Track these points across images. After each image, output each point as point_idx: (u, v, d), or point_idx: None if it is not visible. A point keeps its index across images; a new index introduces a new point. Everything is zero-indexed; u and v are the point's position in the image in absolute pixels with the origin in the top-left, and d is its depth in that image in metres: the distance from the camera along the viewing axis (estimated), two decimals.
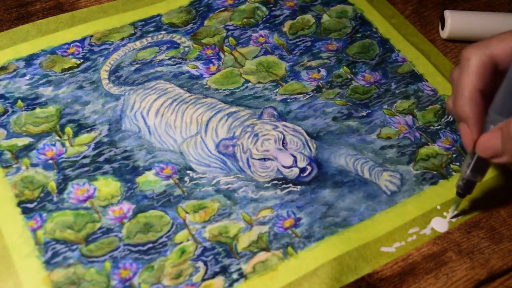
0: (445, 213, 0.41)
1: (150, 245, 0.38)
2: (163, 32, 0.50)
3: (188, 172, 0.42)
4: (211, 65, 0.49)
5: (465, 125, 0.36)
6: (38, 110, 0.44)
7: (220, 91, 0.47)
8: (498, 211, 0.42)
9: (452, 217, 0.41)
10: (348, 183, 0.42)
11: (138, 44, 0.49)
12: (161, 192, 0.40)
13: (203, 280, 0.37)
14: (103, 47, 0.49)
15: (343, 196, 0.41)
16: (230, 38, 0.51)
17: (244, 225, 0.39)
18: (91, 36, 0.49)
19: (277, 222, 0.40)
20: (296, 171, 0.42)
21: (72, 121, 0.44)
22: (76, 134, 0.43)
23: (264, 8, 0.53)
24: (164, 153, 0.42)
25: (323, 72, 0.49)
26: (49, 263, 0.36)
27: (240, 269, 0.37)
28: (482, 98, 0.36)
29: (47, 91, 0.45)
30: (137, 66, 0.48)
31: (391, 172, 0.43)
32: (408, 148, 0.44)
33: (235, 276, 0.37)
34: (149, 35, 0.50)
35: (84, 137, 0.43)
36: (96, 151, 0.42)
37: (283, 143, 0.43)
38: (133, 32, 0.50)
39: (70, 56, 0.48)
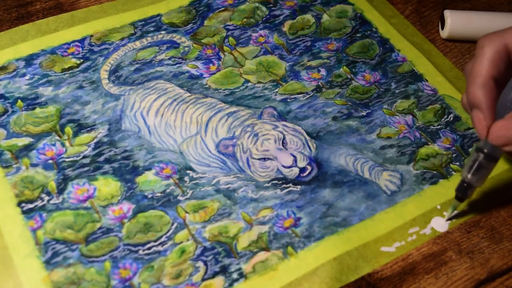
0: (444, 213, 0.41)
1: (150, 244, 0.38)
2: (163, 32, 0.50)
3: (188, 172, 0.42)
4: (211, 65, 0.49)
5: (478, 111, 0.36)
6: (38, 110, 0.44)
7: (220, 91, 0.47)
8: (498, 211, 0.42)
9: (449, 219, 0.41)
10: (348, 183, 0.42)
11: (138, 44, 0.49)
12: (162, 191, 0.40)
13: (203, 280, 0.37)
14: (103, 47, 0.49)
15: (343, 196, 0.41)
16: (230, 38, 0.51)
17: (244, 224, 0.39)
18: (91, 36, 0.49)
19: (277, 221, 0.40)
20: (296, 170, 0.42)
21: (72, 121, 0.44)
22: (76, 134, 0.43)
23: (264, 8, 0.53)
24: (164, 153, 0.42)
25: (323, 72, 0.49)
26: (49, 263, 0.36)
27: (240, 269, 0.37)
28: (495, 85, 0.36)
29: (47, 91, 0.45)
30: (137, 66, 0.48)
31: (391, 171, 0.43)
32: (408, 148, 0.44)
33: (235, 276, 0.37)
34: (149, 35, 0.50)
35: (84, 137, 0.43)
36: (96, 151, 0.42)
37: (283, 142, 0.43)
38: (133, 32, 0.50)
39: (70, 56, 0.48)
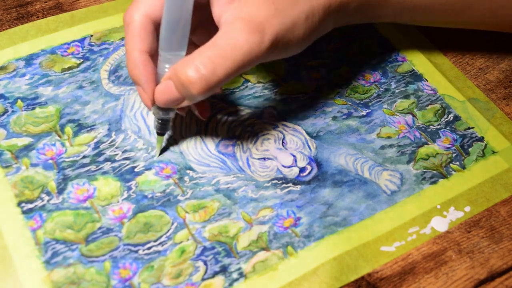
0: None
1: (150, 244, 0.38)
2: None
3: (188, 171, 0.42)
4: None
5: (139, 87, 0.38)
6: (38, 110, 0.44)
7: None
8: (498, 211, 0.42)
9: (160, 155, 0.42)
10: (348, 183, 0.42)
11: None
12: (161, 191, 0.40)
13: (203, 279, 0.37)
14: (103, 46, 0.49)
15: (343, 196, 0.41)
16: None
17: (244, 224, 0.39)
18: (91, 35, 0.49)
19: (277, 221, 0.40)
20: (296, 170, 0.42)
21: (72, 121, 0.44)
22: (76, 134, 0.43)
23: None
24: (164, 153, 0.42)
25: (323, 71, 0.49)
26: (49, 263, 0.37)
27: (240, 268, 0.37)
28: (150, 57, 0.37)
29: (47, 91, 0.45)
30: None
31: (391, 171, 0.43)
32: (408, 148, 0.44)
33: (235, 275, 0.37)
34: None
35: (84, 137, 0.43)
36: (96, 151, 0.42)
37: (282, 142, 0.43)
38: None
39: (70, 56, 0.48)
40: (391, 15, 0.44)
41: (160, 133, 0.41)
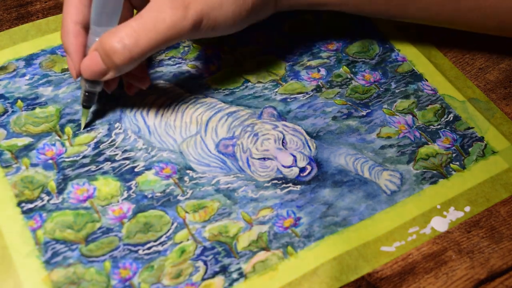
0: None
1: (150, 244, 0.38)
2: None
3: (188, 171, 0.42)
4: (211, 64, 0.49)
5: (68, 57, 0.39)
6: (38, 110, 0.44)
7: (219, 90, 0.47)
8: (498, 211, 0.42)
9: (84, 129, 0.43)
10: (348, 183, 0.42)
11: None
12: (162, 191, 0.40)
13: (203, 279, 0.37)
14: None
15: (343, 196, 0.41)
16: (230, 38, 0.51)
17: (244, 224, 0.39)
18: None
19: (277, 221, 0.40)
20: (296, 170, 0.42)
21: (72, 121, 0.44)
22: (76, 134, 0.43)
23: None
24: (164, 152, 0.43)
25: (323, 71, 0.49)
26: (49, 263, 0.37)
27: (240, 268, 0.37)
28: (84, 30, 0.39)
29: (47, 91, 0.45)
30: None
31: (391, 171, 0.43)
32: (408, 148, 0.44)
33: (235, 275, 0.37)
34: None
35: (84, 137, 0.43)
36: (96, 151, 0.42)
37: (282, 142, 0.43)
38: None
39: None
40: (337, 3, 0.44)
41: (86, 106, 0.42)
